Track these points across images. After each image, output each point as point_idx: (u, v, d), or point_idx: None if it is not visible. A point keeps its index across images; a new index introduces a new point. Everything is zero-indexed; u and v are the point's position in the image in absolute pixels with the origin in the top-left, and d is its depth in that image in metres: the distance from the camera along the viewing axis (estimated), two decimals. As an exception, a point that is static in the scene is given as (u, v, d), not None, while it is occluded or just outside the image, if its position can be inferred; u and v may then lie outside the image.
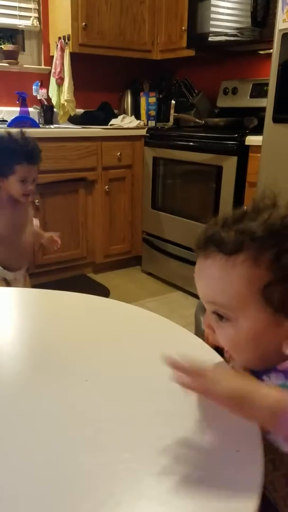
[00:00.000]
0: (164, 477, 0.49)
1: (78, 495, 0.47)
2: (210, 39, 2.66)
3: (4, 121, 2.81)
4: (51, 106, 3.03)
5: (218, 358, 0.72)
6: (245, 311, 0.59)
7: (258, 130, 2.21)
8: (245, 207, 0.65)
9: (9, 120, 2.72)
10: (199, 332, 0.83)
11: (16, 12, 2.95)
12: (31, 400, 0.63)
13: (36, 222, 1.83)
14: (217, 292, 0.61)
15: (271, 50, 1.97)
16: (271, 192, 0.63)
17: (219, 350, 0.74)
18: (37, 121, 2.91)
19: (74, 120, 3.06)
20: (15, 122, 2.67)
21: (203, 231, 0.64)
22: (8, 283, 1.70)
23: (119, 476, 0.49)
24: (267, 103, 2.02)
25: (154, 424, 0.50)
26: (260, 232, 0.59)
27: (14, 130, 1.66)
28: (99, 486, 0.48)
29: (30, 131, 2.51)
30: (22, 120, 2.71)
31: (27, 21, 3.01)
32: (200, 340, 0.77)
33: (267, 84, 2.03)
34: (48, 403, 0.62)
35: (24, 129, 1.71)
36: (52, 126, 2.98)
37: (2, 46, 2.93)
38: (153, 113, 3.21)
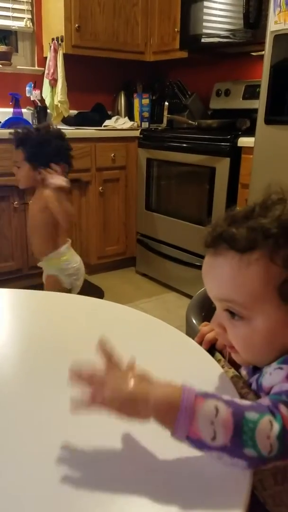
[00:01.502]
0: (162, 477, 0.50)
1: (77, 494, 0.48)
2: (202, 40, 2.67)
3: (-3, 122, 2.81)
4: (44, 107, 3.03)
5: (208, 358, 0.73)
6: (260, 309, 0.59)
7: (250, 131, 2.23)
8: (237, 207, 0.64)
9: (2, 121, 2.72)
10: (190, 333, 0.83)
11: (9, 13, 2.95)
12: (29, 400, 0.63)
13: None
14: (231, 290, 0.60)
15: (263, 51, 1.98)
16: (278, 187, 0.61)
17: (209, 350, 0.75)
18: (30, 122, 2.91)
19: (67, 121, 3.06)
20: (8, 123, 2.66)
21: (212, 229, 0.62)
22: None
23: (118, 476, 0.50)
24: (259, 104, 2.03)
25: (151, 423, 0.51)
26: (274, 229, 0.58)
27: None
28: (97, 486, 0.49)
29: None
30: (15, 121, 2.71)
31: (20, 22, 3.00)
32: (192, 341, 0.78)
33: (259, 86, 2.04)
34: (46, 403, 0.62)
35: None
36: (45, 127, 2.97)
37: (-5, 47, 2.93)
38: (146, 114, 3.22)
